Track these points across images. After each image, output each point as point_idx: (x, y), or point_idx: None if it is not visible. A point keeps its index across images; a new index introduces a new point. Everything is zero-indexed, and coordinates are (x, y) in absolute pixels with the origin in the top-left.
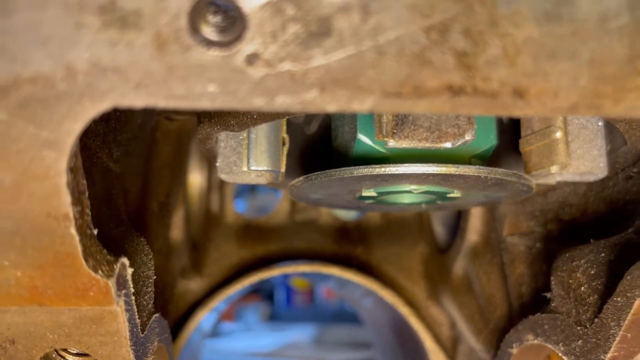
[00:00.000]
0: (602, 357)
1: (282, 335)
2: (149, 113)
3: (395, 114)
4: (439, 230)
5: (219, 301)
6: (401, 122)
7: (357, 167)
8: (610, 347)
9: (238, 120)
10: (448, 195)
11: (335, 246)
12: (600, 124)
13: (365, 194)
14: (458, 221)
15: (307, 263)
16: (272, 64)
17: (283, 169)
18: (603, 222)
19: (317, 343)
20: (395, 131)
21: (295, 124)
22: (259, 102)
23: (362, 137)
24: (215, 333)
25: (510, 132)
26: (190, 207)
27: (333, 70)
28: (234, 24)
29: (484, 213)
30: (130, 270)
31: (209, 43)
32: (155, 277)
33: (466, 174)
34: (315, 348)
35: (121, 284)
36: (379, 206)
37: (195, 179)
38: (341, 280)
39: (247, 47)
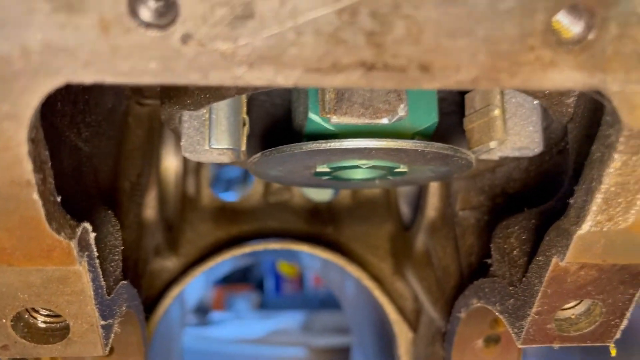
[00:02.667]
0: (529, 312)
1: (271, 322)
2: (119, 97)
3: (337, 92)
4: (405, 209)
5: (193, 277)
6: (339, 100)
7: (305, 142)
8: (534, 303)
9: (193, 99)
10: (396, 170)
11: (306, 226)
12: (535, 102)
13: (319, 169)
14: None
15: (277, 241)
16: (204, 43)
17: (243, 148)
18: (541, 194)
19: (305, 329)
20: (336, 108)
21: (261, 105)
22: (194, 77)
23: (313, 116)
24: (205, 322)
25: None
26: (166, 190)
27: (259, 49)
28: (169, 8)
29: (441, 190)
30: (93, 235)
31: (148, 25)
32: (122, 247)
33: (404, 147)
34: (303, 334)
35: (83, 246)
36: (336, 182)
37: (171, 163)
38: (324, 265)
39: (181, 28)
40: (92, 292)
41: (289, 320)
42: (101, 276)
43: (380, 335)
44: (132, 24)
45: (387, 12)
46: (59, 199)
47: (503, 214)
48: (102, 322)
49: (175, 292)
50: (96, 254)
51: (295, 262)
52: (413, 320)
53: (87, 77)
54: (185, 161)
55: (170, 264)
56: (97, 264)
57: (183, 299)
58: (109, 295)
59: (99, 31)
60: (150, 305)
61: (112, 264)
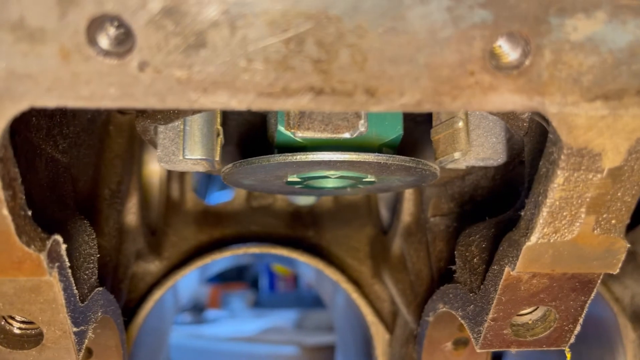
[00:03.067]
0: (486, 318)
1: (265, 320)
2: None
3: (300, 110)
4: (384, 213)
5: (175, 281)
6: (301, 116)
7: (273, 155)
8: (491, 309)
9: (163, 115)
10: (364, 180)
11: (288, 230)
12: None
13: (290, 179)
14: None
15: (257, 245)
16: (160, 70)
17: (217, 158)
18: (506, 203)
19: (298, 327)
20: (299, 124)
21: (240, 113)
22: (152, 101)
23: (281, 129)
24: (201, 320)
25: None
26: (149, 195)
27: (212, 75)
28: (127, 38)
29: (416, 196)
30: (64, 246)
31: (106, 53)
32: (98, 255)
33: (366, 160)
34: (296, 332)
35: (54, 257)
36: (309, 190)
37: (156, 168)
38: (318, 274)
39: (137, 56)
40: (63, 301)
41: (282, 318)
42: (73, 285)
43: (360, 338)
44: (91, 52)
45: (332, 42)
46: (29, 212)
47: (470, 221)
48: (75, 329)
49: (157, 295)
50: (68, 264)
51: (291, 267)
52: (390, 322)
53: (50, 102)
54: None
55: (153, 267)
56: (69, 274)
57: (176, 295)
58: (82, 302)
59: (59, 59)
60: (134, 307)
61: (87, 272)
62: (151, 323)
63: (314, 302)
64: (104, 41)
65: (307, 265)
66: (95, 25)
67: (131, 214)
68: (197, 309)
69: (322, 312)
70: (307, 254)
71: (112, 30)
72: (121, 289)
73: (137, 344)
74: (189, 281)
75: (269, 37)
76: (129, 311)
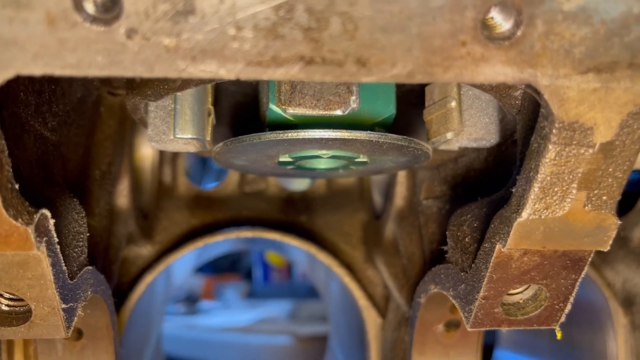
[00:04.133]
0: (476, 297)
1: (259, 311)
2: (88, 88)
3: (291, 85)
4: (377, 198)
5: (166, 265)
6: (292, 92)
7: (263, 133)
8: (482, 288)
9: (153, 90)
10: (357, 160)
11: (281, 215)
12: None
13: (282, 159)
14: None
15: (249, 229)
16: (148, 37)
17: (209, 138)
18: (498, 184)
19: (292, 318)
20: (290, 100)
21: (232, 95)
22: (140, 70)
23: (273, 107)
24: (194, 311)
25: None
26: (141, 179)
27: (201, 43)
28: (114, 4)
29: (408, 180)
30: (52, 221)
31: (93, 20)
32: (88, 234)
33: (358, 138)
34: (290, 322)
35: (42, 231)
36: (302, 172)
37: (147, 151)
38: (311, 260)
39: (125, 23)
40: (52, 277)
41: (276, 309)
42: (62, 261)
43: (352, 323)
44: (77, 18)
45: (322, 9)
46: (17, 186)
47: (463, 203)
48: (64, 306)
49: (148, 279)
50: (56, 239)
51: (284, 254)
52: (382, 307)
53: (36, 69)
54: (162, 150)
55: (144, 251)
56: (58, 249)
57: (169, 280)
58: (71, 279)
59: (46, 25)
60: (125, 291)
61: (76, 249)
62: (142, 306)
63: (308, 292)
64: (90, 7)
65: (301, 252)
66: None
67: (122, 197)
68: (191, 300)
69: (316, 302)
70: (299, 239)
71: None
72: (112, 271)
73: (128, 327)
74: (182, 266)
75: (259, 4)
76: (121, 294)
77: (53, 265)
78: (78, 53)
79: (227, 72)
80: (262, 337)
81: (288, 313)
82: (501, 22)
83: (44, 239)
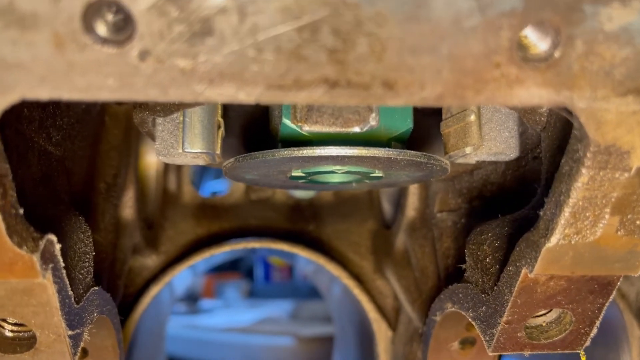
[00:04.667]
0: (499, 320)
1: (260, 311)
2: None
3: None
4: (387, 207)
5: (172, 276)
6: (309, 109)
7: (277, 150)
8: (505, 312)
9: (163, 106)
10: (372, 175)
11: (288, 223)
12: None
13: (294, 174)
14: None
15: (257, 240)
16: (162, 59)
17: (218, 151)
18: (517, 199)
19: (293, 318)
20: (307, 117)
21: (241, 105)
22: (154, 94)
23: (286, 122)
24: (195, 310)
25: None
26: (146, 188)
27: (219, 65)
28: (126, 25)
29: (421, 191)
30: (58, 246)
31: (104, 41)
32: (94, 253)
33: (376, 155)
34: (291, 323)
35: (47, 258)
36: (313, 185)
37: (152, 160)
38: (315, 265)
39: (138, 44)
40: (58, 304)
41: (277, 308)
42: (68, 286)
43: (360, 333)
44: (87, 40)
45: (349, 30)
46: (21, 211)
47: (479, 218)
48: (70, 332)
49: (153, 291)
50: (62, 264)
51: (288, 260)
52: (393, 319)
53: (43, 94)
54: None
55: (150, 262)
56: (64, 275)
57: (172, 289)
58: (77, 303)
59: (53, 47)
60: (130, 303)
61: (82, 271)
62: (149, 319)
63: (310, 292)
64: (101, 28)
65: (305, 259)
66: (92, 10)
67: (128, 208)
68: (192, 299)
69: (317, 302)
70: (307, 249)
71: (110, 16)
72: (118, 286)
73: (134, 340)
74: (183, 274)
75: (281, 25)
76: (126, 307)
77: (59, 291)
78: (88, 76)
79: (246, 95)
80: (263, 337)
81: (289, 313)
82: (537, 42)
83: (50, 265)
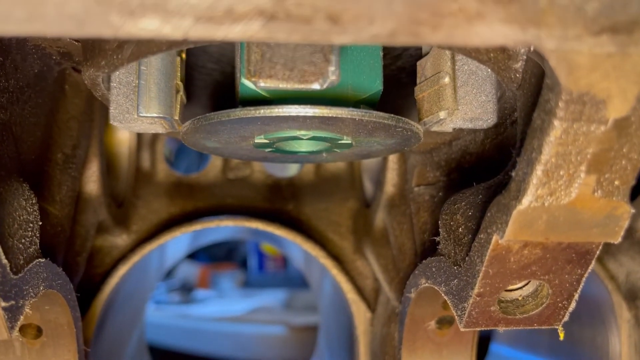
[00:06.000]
0: (470, 293)
1: (253, 300)
2: (46, 62)
3: (261, 53)
4: (368, 186)
5: (141, 256)
6: (262, 60)
7: (232, 110)
8: (476, 284)
9: (107, 60)
10: (340, 142)
11: (266, 203)
12: (489, 70)
13: (257, 140)
14: None
15: (232, 218)
16: None
17: (177, 117)
18: (496, 168)
19: (287, 307)
20: (260, 70)
21: (209, 74)
22: (68, 27)
23: (244, 81)
24: (189, 300)
25: None
26: (117, 165)
27: None
28: None
29: (400, 165)
30: None
31: None
32: (40, 223)
33: (339, 115)
34: (284, 312)
35: None
36: (282, 156)
37: (124, 135)
38: (306, 257)
39: None
40: None
41: (271, 298)
42: (1, 254)
43: (342, 319)
44: None
45: None
46: None
47: (457, 190)
48: (4, 304)
49: (122, 271)
50: None
51: (281, 249)
52: (372, 300)
53: None
54: (140, 134)
55: (120, 241)
56: None
57: (163, 260)
58: (15, 274)
59: None
60: (98, 283)
61: (23, 240)
62: (122, 297)
63: (303, 282)
64: None
65: (296, 247)
66: None
67: (91, 182)
68: (186, 289)
69: (310, 292)
70: (284, 228)
71: None
72: (78, 263)
73: (103, 320)
74: (178, 245)
75: None
76: (94, 286)
77: None
78: None
79: (172, 29)
80: (256, 326)
81: (283, 302)
82: None
83: None
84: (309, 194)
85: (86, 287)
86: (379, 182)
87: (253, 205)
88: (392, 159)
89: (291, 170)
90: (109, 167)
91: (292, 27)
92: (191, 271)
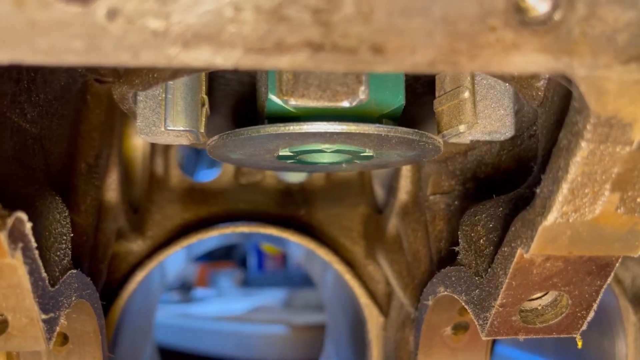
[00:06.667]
0: (493, 304)
1: (253, 299)
2: (72, 75)
3: (294, 73)
4: (379, 191)
5: (158, 262)
6: (295, 81)
7: (263, 126)
8: (499, 295)
9: (141, 79)
10: (362, 154)
11: (278, 208)
12: (507, 84)
13: (282, 153)
14: None
15: (246, 224)
16: (133, 20)
17: (202, 129)
18: (512, 179)
19: (287, 306)
20: (292, 90)
21: (227, 84)
22: (124, 58)
23: (273, 97)
24: (188, 298)
25: None
26: (132, 171)
27: (194, 26)
28: None
29: (413, 173)
30: (29, 225)
31: None
32: (72, 234)
33: (366, 132)
34: (284, 311)
35: (17, 237)
36: (302, 166)
37: (138, 142)
38: (308, 254)
39: (105, 3)
40: (30, 285)
41: (271, 297)
42: (42, 268)
43: (352, 320)
44: None
45: None
46: None
47: (473, 200)
48: (44, 316)
49: (139, 277)
50: (34, 244)
51: (280, 246)
52: (384, 305)
53: (2, 56)
54: None
55: (135, 247)
56: (36, 255)
57: (163, 274)
58: (53, 286)
59: (12, 5)
60: (115, 289)
61: (59, 253)
62: (137, 303)
63: (303, 280)
64: None
65: (297, 244)
66: None
67: (111, 191)
68: (185, 288)
69: (311, 290)
70: (297, 234)
71: None
72: (101, 270)
73: (120, 326)
74: (175, 259)
75: None
76: (111, 292)
77: (31, 273)
78: (51, 38)
79: (223, 60)
80: (257, 326)
81: (283, 301)
82: (536, 4)
83: (19, 244)
84: (320, 199)
85: (104, 292)
86: (392, 188)
87: (265, 211)
88: (406, 167)
89: (301, 175)
90: (124, 173)
91: (338, 58)
92: (190, 270)
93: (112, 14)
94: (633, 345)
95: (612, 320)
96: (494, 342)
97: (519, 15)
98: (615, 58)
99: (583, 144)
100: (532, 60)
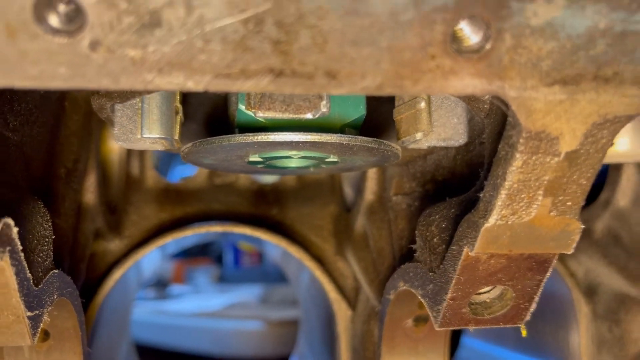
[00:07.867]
0: (445, 297)
1: (229, 295)
2: None
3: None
4: (348, 191)
5: (134, 261)
6: (262, 96)
7: (233, 135)
8: (450, 289)
9: (119, 93)
10: (327, 160)
11: (252, 208)
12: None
13: (252, 159)
14: None
15: (220, 224)
16: (113, 49)
17: (177, 137)
18: (466, 183)
19: (263, 302)
20: (259, 104)
21: (203, 94)
22: (105, 82)
23: (242, 108)
24: (164, 295)
25: None
26: (109, 172)
27: (168, 55)
28: (77, 15)
29: (379, 175)
30: (15, 230)
31: (56, 31)
32: (53, 236)
33: (329, 141)
34: (261, 307)
35: (4, 241)
36: (272, 170)
37: (115, 145)
38: (284, 254)
39: (89, 35)
40: (16, 285)
41: (247, 293)
42: (27, 269)
43: (322, 315)
44: (39, 30)
45: (292, 22)
46: None
47: (432, 200)
48: (29, 314)
49: (116, 275)
50: (20, 247)
51: (258, 247)
52: (352, 299)
53: None
54: None
55: (113, 246)
56: (21, 257)
57: (140, 272)
58: (37, 286)
59: (5, 37)
60: (93, 287)
61: (41, 254)
62: (114, 301)
63: (279, 277)
64: (53, 18)
65: (273, 244)
66: (43, 1)
67: (89, 193)
68: (161, 285)
69: (287, 286)
70: (270, 232)
71: (62, 7)
72: (80, 269)
73: (98, 323)
74: (151, 257)
75: (227, 17)
76: (89, 290)
77: (17, 273)
78: (40, 65)
79: (194, 84)
80: (233, 322)
81: (259, 297)
82: (470, 35)
83: (7, 248)
84: (292, 199)
85: (83, 290)
86: (359, 189)
87: (239, 211)
88: (372, 170)
89: (273, 176)
90: (102, 175)
91: (297, 82)
92: (166, 266)
93: (94, 44)
94: (585, 335)
95: (567, 311)
96: (454, 332)
97: (456, 45)
98: (541, 81)
99: (517, 155)
100: (469, 83)
